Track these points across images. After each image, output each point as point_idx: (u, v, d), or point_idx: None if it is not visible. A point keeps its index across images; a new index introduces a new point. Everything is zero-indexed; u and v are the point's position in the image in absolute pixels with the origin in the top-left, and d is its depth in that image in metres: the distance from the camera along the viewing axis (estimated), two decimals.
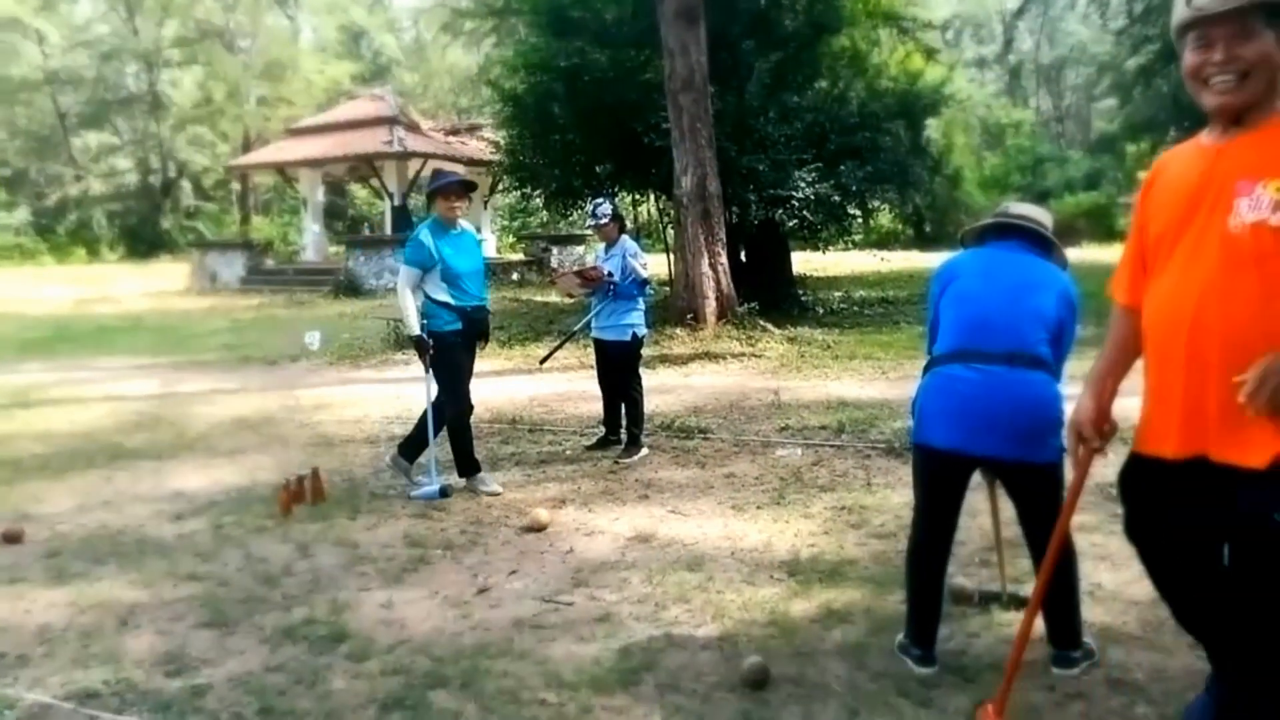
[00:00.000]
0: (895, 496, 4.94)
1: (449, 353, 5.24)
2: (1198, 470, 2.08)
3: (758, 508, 4.84)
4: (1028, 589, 3.34)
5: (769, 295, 12.41)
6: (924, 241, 31.66)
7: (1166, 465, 2.16)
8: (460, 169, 24.76)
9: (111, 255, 39.88)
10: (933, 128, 19.14)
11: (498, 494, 5.19)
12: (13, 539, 4.52)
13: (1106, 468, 5.34)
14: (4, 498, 5.36)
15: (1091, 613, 3.35)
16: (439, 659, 3.24)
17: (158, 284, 24.79)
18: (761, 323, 10.97)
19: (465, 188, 5.30)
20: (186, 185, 42.73)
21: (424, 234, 5.15)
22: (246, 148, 36.82)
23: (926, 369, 3.13)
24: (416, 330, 5.17)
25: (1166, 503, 2.22)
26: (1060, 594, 3.00)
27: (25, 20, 39.66)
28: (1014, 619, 3.41)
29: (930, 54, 17.52)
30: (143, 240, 41.07)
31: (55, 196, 41.81)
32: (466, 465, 5.33)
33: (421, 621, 3.55)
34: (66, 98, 43.45)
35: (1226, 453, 2.02)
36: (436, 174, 5.48)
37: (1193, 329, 2.05)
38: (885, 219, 27.49)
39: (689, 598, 3.71)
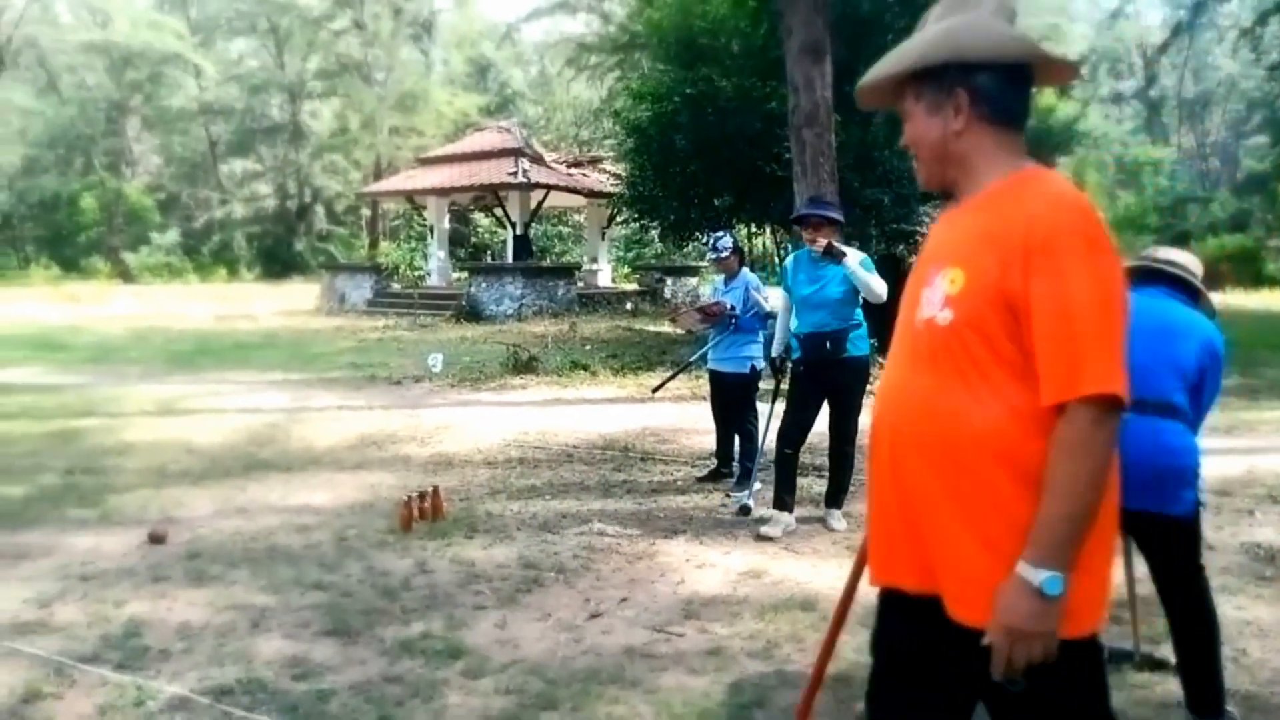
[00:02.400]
0: None
1: (795, 381, 5.24)
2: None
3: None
4: (1165, 650, 3.17)
5: (891, 331, 12.15)
6: None
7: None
8: (582, 200, 25.28)
9: (249, 275, 42.15)
10: (1064, 165, 18.52)
11: (770, 539, 4.93)
12: (158, 540, 4.78)
13: (1253, 526, 5.06)
14: (151, 500, 5.70)
15: (1235, 680, 3.14)
16: (551, 681, 3.27)
17: (290, 303, 26.05)
18: (881, 360, 10.79)
19: (824, 220, 5.16)
20: (320, 210, 44.92)
21: (789, 260, 5.41)
22: (378, 175, 38.45)
23: None
24: (778, 352, 5.43)
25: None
26: (1199, 658, 2.84)
27: (186, 55, 42.62)
28: (1148, 680, 3.24)
29: (1063, 90, 17.02)
30: (278, 261, 43.32)
31: (202, 219, 44.60)
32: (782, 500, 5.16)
33: (534, 643, 3.60)
34: (217, 127, 46.44)
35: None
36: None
37: (873, 432, 1.81)
38: None
39: (802, 636, 3.65)
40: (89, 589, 4.17)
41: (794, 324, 5.25)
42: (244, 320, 21.00)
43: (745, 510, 5.35)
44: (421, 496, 5.23)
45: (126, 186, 45.22)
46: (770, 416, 5.64)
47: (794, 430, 5.14)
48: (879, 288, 4.94)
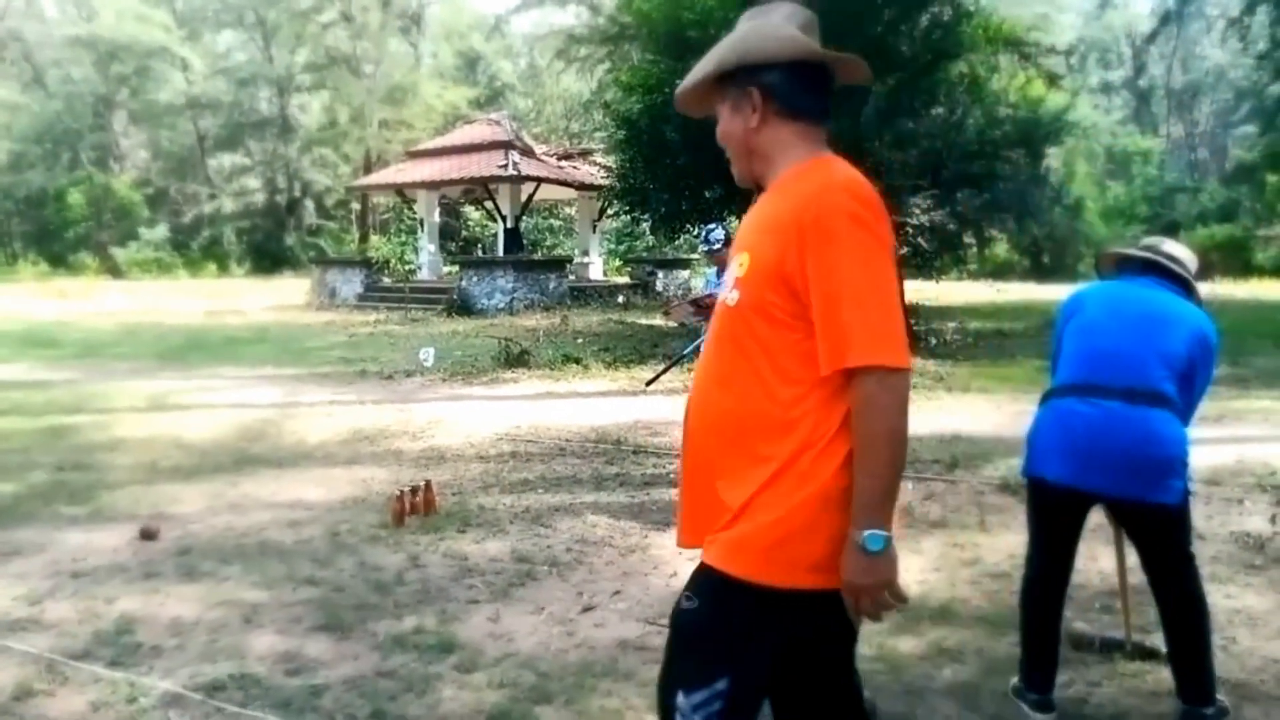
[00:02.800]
0: (1010, 536, 4.77)
1: None
2: None
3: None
4: (1156, 639, 3.18)
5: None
6: (1042, 273, 30.72)
7: None
8: (573, 193, 25.26)
9: (239, 270, 41.98)
10: (1053, 156, 18.53)
11: None
12: (149, 536, 4.77)
13: (1242, 515, 5.08)
14: (143, 497, 5.68)
15: (1225, 668, 3.17)
16: (544, 675, 3.27)
17: (280, 298, 25.95)
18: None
19: None
20: (310, 204, 44.74)
21: None
22: (368, 169, 38.30)
23: (1042, 401, 3.04)
24: None
25: None
26: (1190, 647, 2.86)
27: (173, 49, 42.37)
28: (1140, 669, 3.26)
29: (1052, 80, 17.03)
30: (267, 256, 43.15)
31: (191, 214, 44.39)
32: None
33: (528, 636, 3.60)
34: (205, 121, 46.17)
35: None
36: None
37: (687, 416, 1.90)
38: (1001, 249, 26.75)
39: None
40: (80, 586, 4.16)
41: None
42: (234, 315, 20.90)
43: None
44: (414, 491, 5.23)
45: (114, 182, 44.92)
46: None
47: None
48: None
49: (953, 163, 12.83)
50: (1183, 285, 3.01)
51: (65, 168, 45.44)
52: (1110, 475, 2.80)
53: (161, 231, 43.14)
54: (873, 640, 3.51)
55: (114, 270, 40.23)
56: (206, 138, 46.61)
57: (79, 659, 3.38)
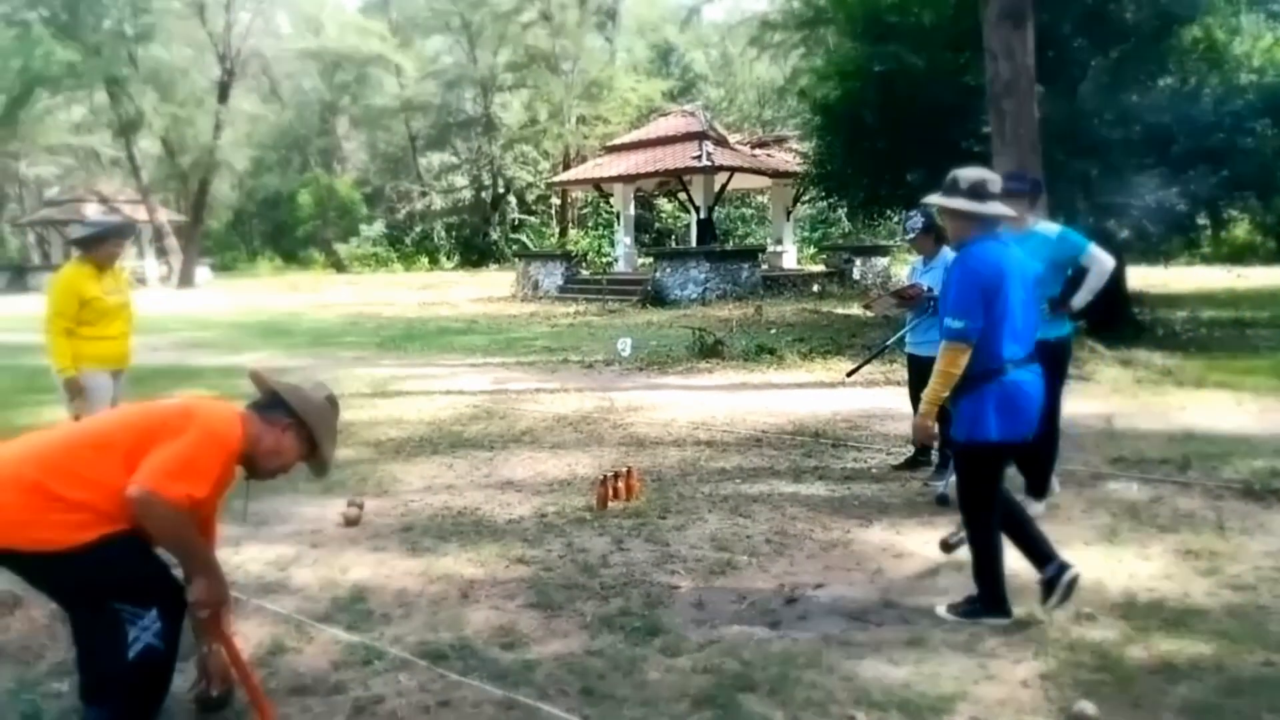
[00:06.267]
0: (1255, 544, 4.36)
1: None
2: None
3: (1085, 544, 4.46)
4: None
5: (1099, 313, 11.33)
6: None
7: None
8: (767, 181, 25.03)
9: (448, 263, 44.37)
10: None
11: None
12: (352, 523, 5.07)
13: None
14: (369, 474, 6.14)
15: None
16: (748, 663, 3.29)
17: (487, 290, 27.26)
18: (1090, 343, 10.08)
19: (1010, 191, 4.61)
20: (512, 200, 46.61)
21: None
22: (566, 165, 39.49)
23: None
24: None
25: None
26: None
27: (388, 56, 45.20)
28: None
29: None
30: (474, 250, 45.38)
31: (404, 211, 47.29)
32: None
33: (731, 623, 3.63)
34: (416, 122, 49.02)
35: None
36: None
37: None
38: (1241, 230, 24.29)
39: (1007, 630, 3.50)
40: (319, 555, 4.54)
41: None
42: (445, 307, 22.15)
43: (944, 500, 5.17)
44: (616, 476, 5.36)
45: (337, 182, 48.64)
46: None
47: None
48: (1106, 262, 4.71)
49: (1185, 137, 11.76)
50: None
51: (296, 171, 49.64)
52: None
53: (379, 228, 46.28)
54: (1094, 649, 3.32)
55: (337, 265, 43.56)
56: (418, 138, 49.49)
57: (321, 621, 3.70)
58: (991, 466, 3.56)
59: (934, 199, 3.70)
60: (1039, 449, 4.87)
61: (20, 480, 2.50)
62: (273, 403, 2.93)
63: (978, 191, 3.49)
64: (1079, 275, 4.82)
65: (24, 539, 2.48)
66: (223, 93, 38.15)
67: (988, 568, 3.61)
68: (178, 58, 38.83)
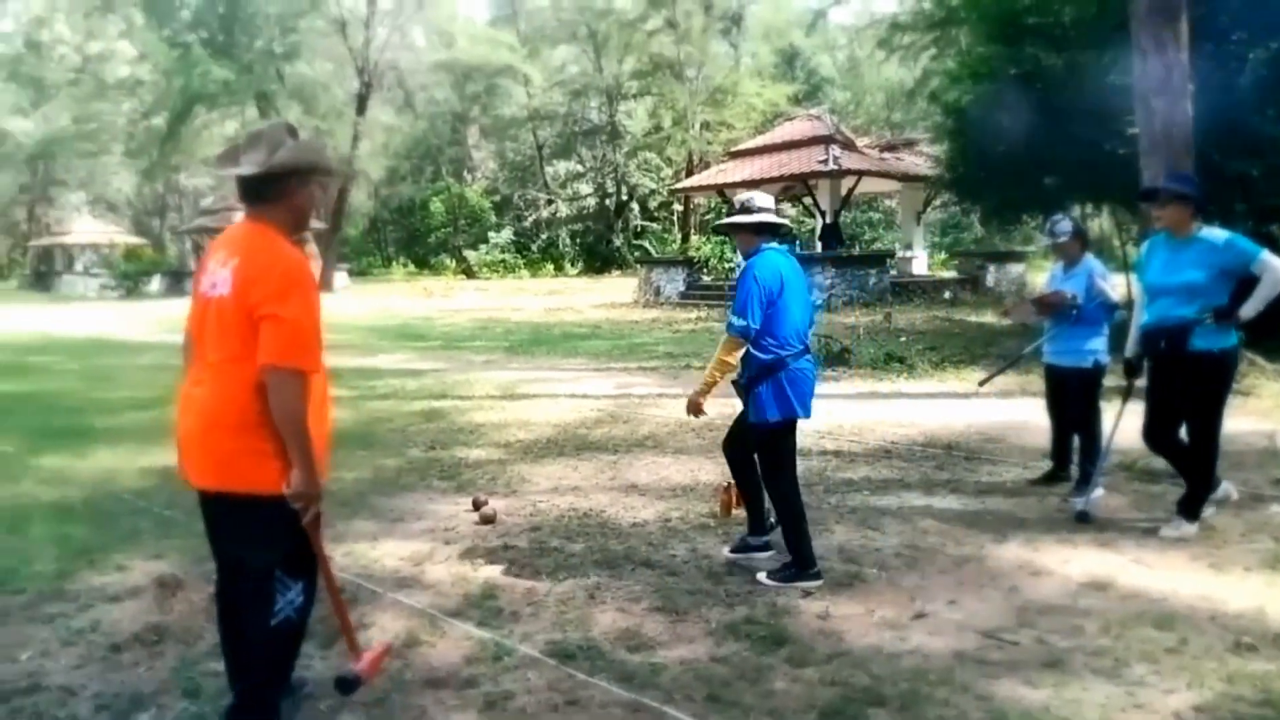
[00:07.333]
0: None
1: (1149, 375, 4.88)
2: None
3: (1245, 569, 4.19)
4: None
5: (1261, 323, 10.61)
6: None
7: None
8: (895, 185, 24.43)
9: (572, 270, 45.10)
10: None
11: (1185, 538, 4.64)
12: (488, 521, 5.19)
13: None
14: (499, 474, 6.30)
15: None
16: (877, 677, 3.22)
17: (609, 296, 27.57)
18: (1250, 355, 9.45)
19: (1174, 195, 4.72)
20: (635, 207, 47.01)
21: (1145, 244, 5.05)
22: (689, 171, 39.59)
23: None
24: (1131, 351, 4.96)
25: None
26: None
27: (517, 66, 46.29)
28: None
29: None
30: (597, 256, 45.98)
31: (531, 218, 48.32)
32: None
33: (859, 637, 3.56)
34: (543, 131, 50.09)
35: None
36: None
37: None
38: None
39: (1156, 658, 3.32)
40: (451, 552, 4.68)
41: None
42: (570, 312, 22.51)
43: (1084, 517, 4.94)
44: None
45: (467, 191, 50.10)
46: (1119, 418, 5.14)
47: (1152, 425, 4.76)
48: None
49: None
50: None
51: (428, 179, 51.37)
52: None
53: (506, 235, 47.44)
54: (1256, 682, 3.11)
55: (467, 271, 44.86)
56: (544, 146, 50.53)
57: (454, 616, 3.81)
58: (782, 440, 4.20)
59: (722, 223, 4.53)
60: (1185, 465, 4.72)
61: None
62: (261, 188, 2.80)
63: (747, 208, 4.22)
64: (1248, 284, 4.53)
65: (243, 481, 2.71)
66: (361, 105, 39.78)
67: (795, 530, 4.12)
68: (320, 73, 40.71)
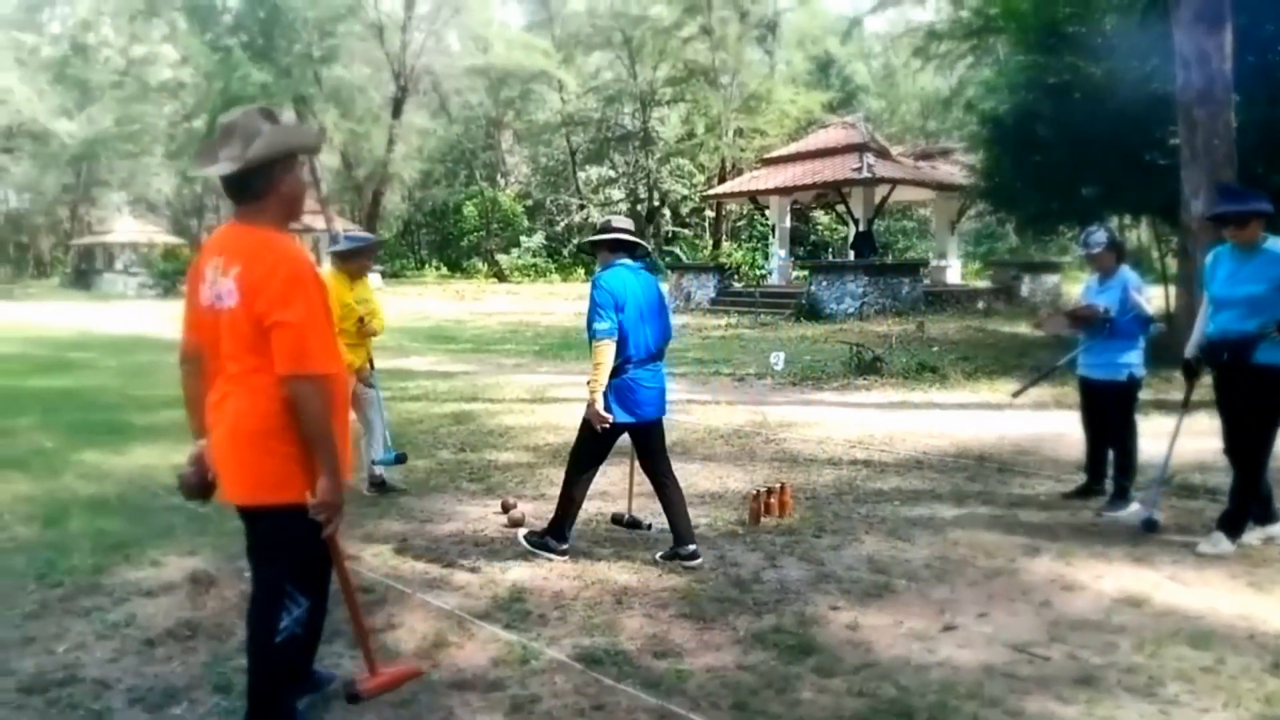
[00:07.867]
0: None
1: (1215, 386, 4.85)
2: None
3: None
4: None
5: None
6: None
7: None
8: (930, 194, 24.25)
9: None
10: None
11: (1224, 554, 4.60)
12: (517, 524, 5.21)
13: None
14: (527, 478, 6.32)
15: None
16: (904, 689, 3.20)
17: None
18: None
19: (1250, 215, 4.64)
20: (667, 213, 47.00)
21: (1210, 255, 4.97)
22: (722, 177, 39.51)
23: None
24: (1191, 353, 4.92)
25: None
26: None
27: (551, 72, 46.49)
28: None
29: None
30: None
31: (563, 223, 48.45)
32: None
33: (887, 648, 3.54)
34: (576, 137, 50.21)
35: None
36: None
37: None
38: None
39: (1192, 677, 3.27)
40: (480, 554, 4.71)
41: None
42: None
43: (1152, 526, 4.97)
44: (769, 492, 5.32)
45: (500, 195, 50.37)
46: (1177, 428, 5.09)
47: (1230, 438, 4.73)
48: None
49: None
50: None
51: (462, 183, 51.69)
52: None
53: (538, 239, 47.64)
54: None
55: (499, 275, 45.09)
56: (577, 152, 50.64)
57: (481, 619, 3.83)
58: (604, 438, 4.51)
59: (585, 240, 4.92)
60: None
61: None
62: (245, 184, 2.70)
63: (605, 228, 4.64)
64: None
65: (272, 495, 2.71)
66: (396, 109, 40.19)
67: (565, 507, 4.57)
68: (357, 76, 41.18)
